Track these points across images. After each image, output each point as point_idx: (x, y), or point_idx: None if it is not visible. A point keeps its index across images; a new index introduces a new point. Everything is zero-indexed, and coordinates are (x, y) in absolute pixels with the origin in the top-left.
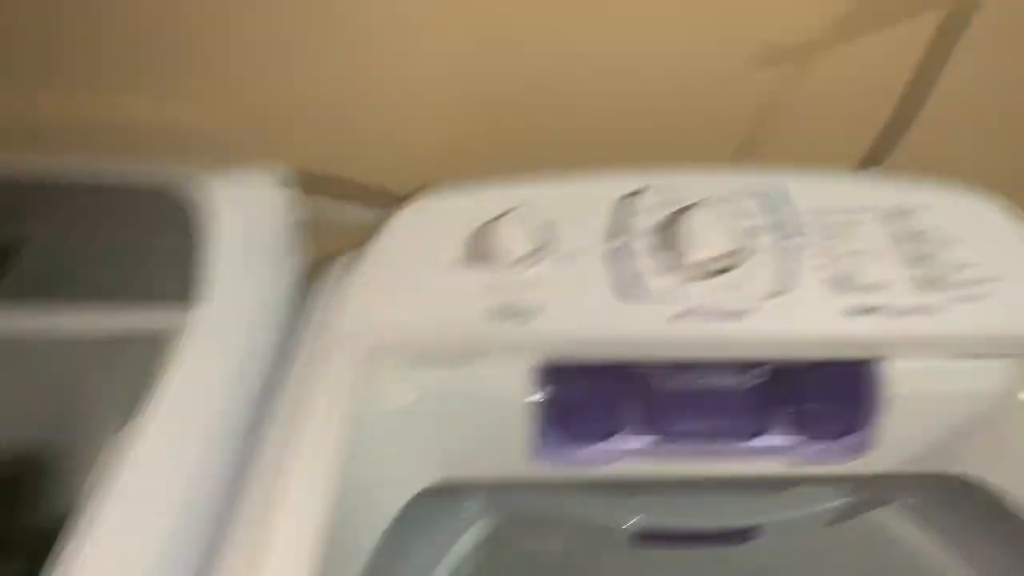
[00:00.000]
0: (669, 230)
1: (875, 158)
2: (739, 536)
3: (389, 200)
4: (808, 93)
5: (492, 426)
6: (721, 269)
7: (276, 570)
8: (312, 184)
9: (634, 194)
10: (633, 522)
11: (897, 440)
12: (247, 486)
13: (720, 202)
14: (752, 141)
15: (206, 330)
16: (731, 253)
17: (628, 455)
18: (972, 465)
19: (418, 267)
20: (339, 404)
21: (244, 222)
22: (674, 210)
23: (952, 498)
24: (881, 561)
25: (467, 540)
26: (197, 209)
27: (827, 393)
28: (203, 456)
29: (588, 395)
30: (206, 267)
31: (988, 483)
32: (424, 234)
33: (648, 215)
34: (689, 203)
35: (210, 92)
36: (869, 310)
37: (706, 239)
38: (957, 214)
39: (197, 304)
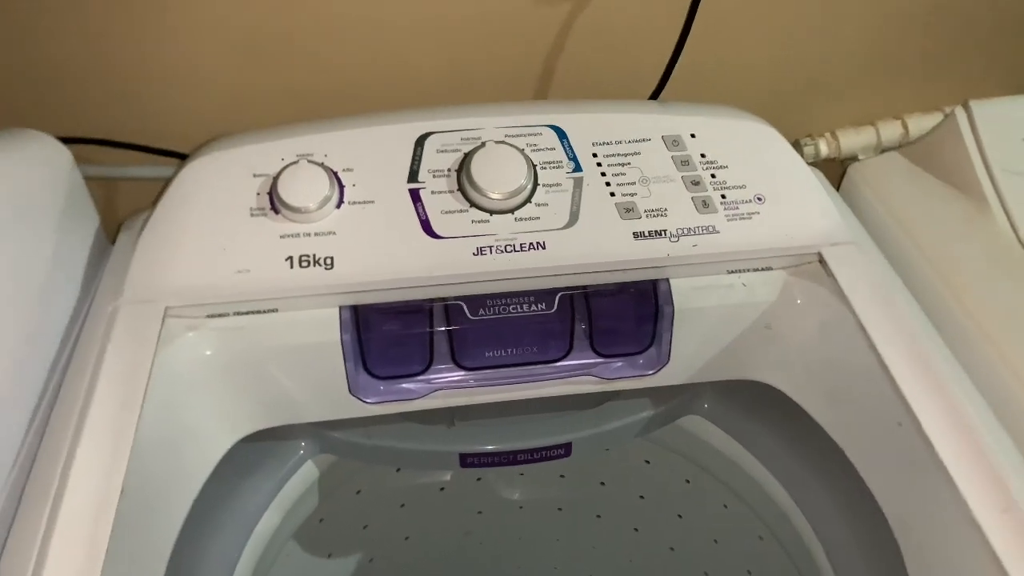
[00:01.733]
0: (464, 169)
1: (656, 90)
2: (558, 451)
3: (176, 160)
4: (590, 30)
5: (303, 371)
6: (517, 204)
7: (66, 539)
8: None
9: (427, 136)
10: (457, 447)
11: (689, 352)
12: (40, 453)
13: (511, 139)
14: (540, 79)
15: None
16: (524, 188)
17: (444, 387)
18: (758, 370)
19: (211, 220)
20: (135, 362)
21: (14, 184)
22: (467, 150)
23: (747, 399)
24: (689, 457)
25: (297, 480)
26: None
27: (623, 314)
28: None
29: (398, 332)
30: None
31: (773, 386)
32: (216, 185)
33: (442, 156)
34: (481, 142)
35: None
36: (655, 233)
37: (500, 176)
38: (730, 138)
39: None
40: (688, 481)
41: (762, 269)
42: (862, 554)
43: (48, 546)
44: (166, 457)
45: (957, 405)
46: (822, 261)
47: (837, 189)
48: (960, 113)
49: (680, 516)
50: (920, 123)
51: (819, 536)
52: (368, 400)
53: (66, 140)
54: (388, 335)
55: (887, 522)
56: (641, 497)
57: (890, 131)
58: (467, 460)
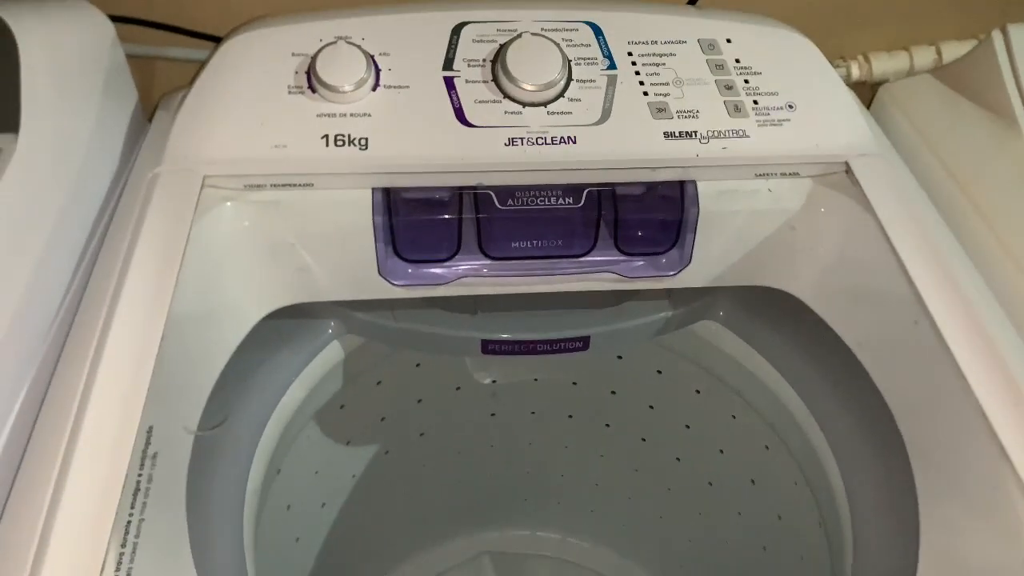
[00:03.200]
0: (499, 60)
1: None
2: (576, 344)
3: (212, 44)
4: None
5: (335, 249)
6: (551, 98)
7: (104, 398)
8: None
9: (464, 25)
10: (479, 332)
11: (711, 256)
12: (81, 312)
13: (547, 32)
14: None
15: (21, 158)
16: (559, 82)
17: (469, 274)
18: (778, 278)
19: (250, 96)
20: (174, 226)
21: (60, 52)
22: (503, 41)
23: (764, 307)
24: (702, 364)
25: (323, 358)
26: (10, 38)
27: (648, 213)
28: (31, 289)
29: (428, 218)
30: (20, 95)
31: (791, 293)
32: (255, 62)
33: (479, 46)
34: (518, 33)
35: None
36: (685, 134)
37: (535, 69)
38: (765, 46)
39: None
40: (698, 392)
41: (789, 175)
42: (872, 460)
43: (88, 400)
44: (200, 322)
45: (974, 307)
46: (849, 171)
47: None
48: (997, 36)
49: (688, 426)
50: (955, 50)
51: (829, 442)
52: (396, 282)
53: (110, 17)
54: (418, 220)
55: (898, 429)
56: (651, 407)
57: (924, 56)
58: (488, 346)
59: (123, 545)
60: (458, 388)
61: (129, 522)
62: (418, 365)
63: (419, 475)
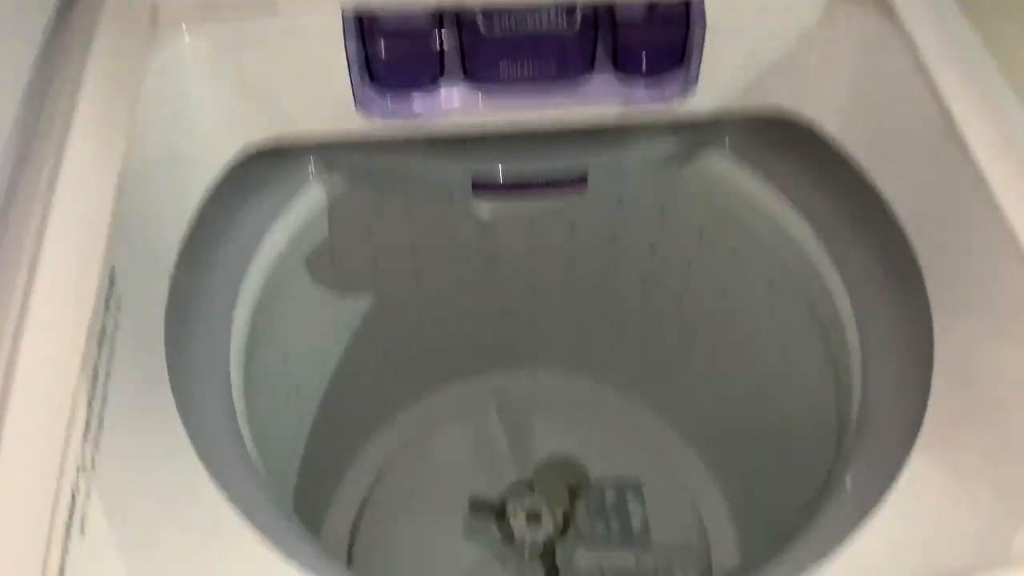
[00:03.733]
0: None
1: None
2: (573, 183)
3: None
4: None
5: (306, 78)
6: None
7: (61, 239)
8: None
9: None
10: (469, 173)
11: (718, 78)
12: (26, 159)
13: None
14: None
15: None
16: None
17: (456, 105)
18: (793, 99)
19: None
20: (124, 63)
21: None
22: None
23: (771, 136)
24: (706, 199)
25: (304, 201)
26: None
27: (649, 32)
28: None
29: (406, 41)
30: None
31: (802, 116)
32: None
33: None
34: None
35: None
36: None
37: None
38: None
39: None
40: (702, 230)
41: None
42: (885, 292)
43: (42, 245)
44: (166, 161)
45: (1007, 125)
46: None
47: None
48: None
49: (690, 265)
50: None
51: (841, 274)
52: (375, 115)
53: None
54: (395, 43)
55: (916, 260)
56: (652, 248)
57: None
58: (479, 186)
59: (92, 392)
60: (453, 235)
61: (96, 368)
62: (409, 212)
63: (418, 322)
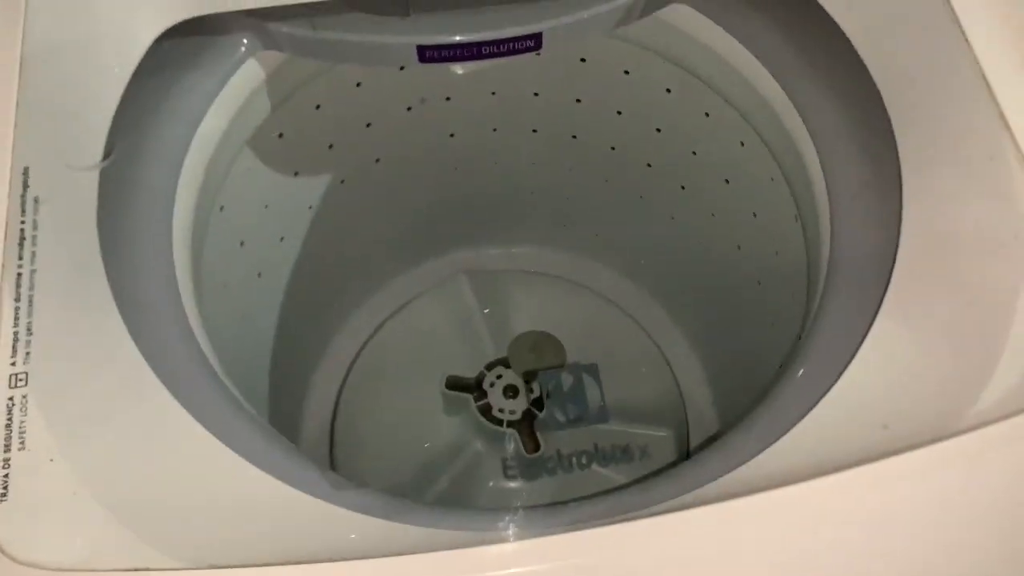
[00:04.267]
0: None
1: None
2: (527, 43)
3: None
4: None
5: None
6: None
7: None
8: None
9: None
10: (414, 38)
11: None
12: None
13: None
14: None
15: None
16: None
17: None
18: None
19: None
20: None
21: None
22: None
23: None
24: (672, 57)
25: (240, 79)
26: None
27: None
28: None
29: None
30: None
31: None
32: None
33: None
34: None
35: None
36: None
37: None
38: None
39: None
40: (669, 91)
41: None
42: (854, 145)
43: None
44: (77, 47)
45: None
46: None
47: None
48: None
49: (659, 130)
50: None
51: (809, 128)
52: None
53: None
54: None
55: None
56: (619, 112)
57: None
58: (426, 53)
59: (16, 299)
60: (408, 108)
61: (19, 274)
62: (358, 85)
63: (381, 202)
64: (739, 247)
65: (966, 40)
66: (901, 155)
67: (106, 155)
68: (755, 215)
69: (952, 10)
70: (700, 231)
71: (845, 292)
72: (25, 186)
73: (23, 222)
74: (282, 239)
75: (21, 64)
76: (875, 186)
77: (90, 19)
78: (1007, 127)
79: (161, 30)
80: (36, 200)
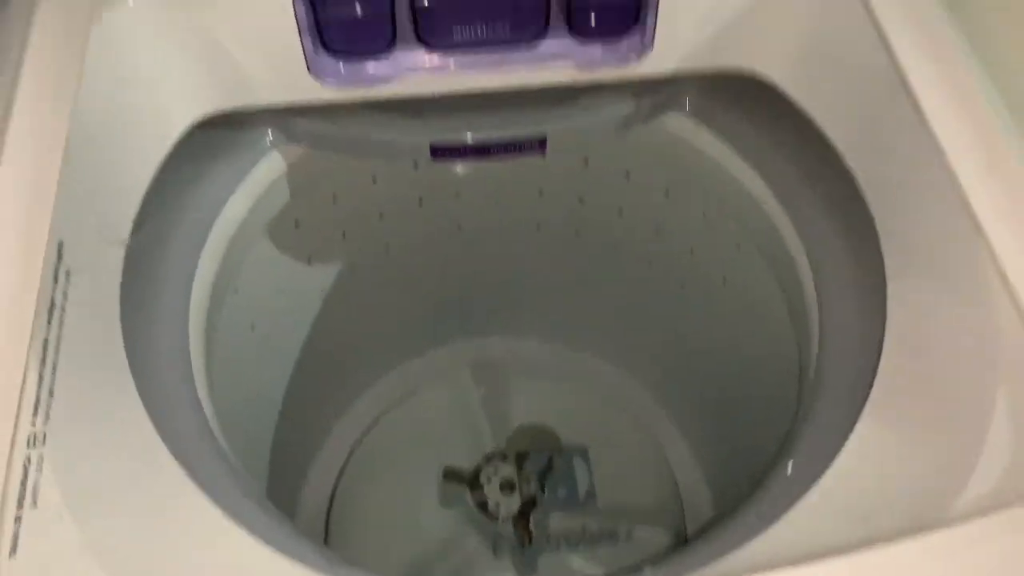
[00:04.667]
0: None
1: None
2: (533, 145)
3: None
4: None
5: (257, 45)
6: None
7: (12, 200)
8: None
9: None
10: (427, 137)
11: (675, 36)
12: None
13: None
14: None
15: None
16: None
17: (411, 71)
18: (748, 58)
19: None
20: (69, 28)
21: None
22: None
23: (732, 96)
24: (670, 162)
25: (263, 169)
26: None
27: None
28: None
29: (357, 5)
30: None
31: (761, 75)
32: None
33: None
34: None
35: None
36: None
37: None
38: None
39: None
40: (667, 193)
41: None
42: (842, 249)
43: None
44: (116, 131)
45: (955, 74)
46: None
47: None
48: None
49: (658, 230)
50: None
51: (799, 232)
52: (329, 81)
53: None
54: (346, 8)
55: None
56: (620, 212)
57: None
58: (438, 152)
59: (43, 362)
60: (420, 202)
61: (47, 340)
62: (374, 178)
63: (389, 290)
64: (736, 345)
65: (941, 148)
66: (886, 261)
67: (136, 231)
68: (752, 314)
69: (927, 122)
70: (698, 328)
71: (833, 390)
72: (59, 258)
73: (54, 291)
74: (292, 324)
75: (67, 142)
76: (861, 291)
77: (133, 104)
78: (982, 234)
79: (194, 119)
80: (68, 272)
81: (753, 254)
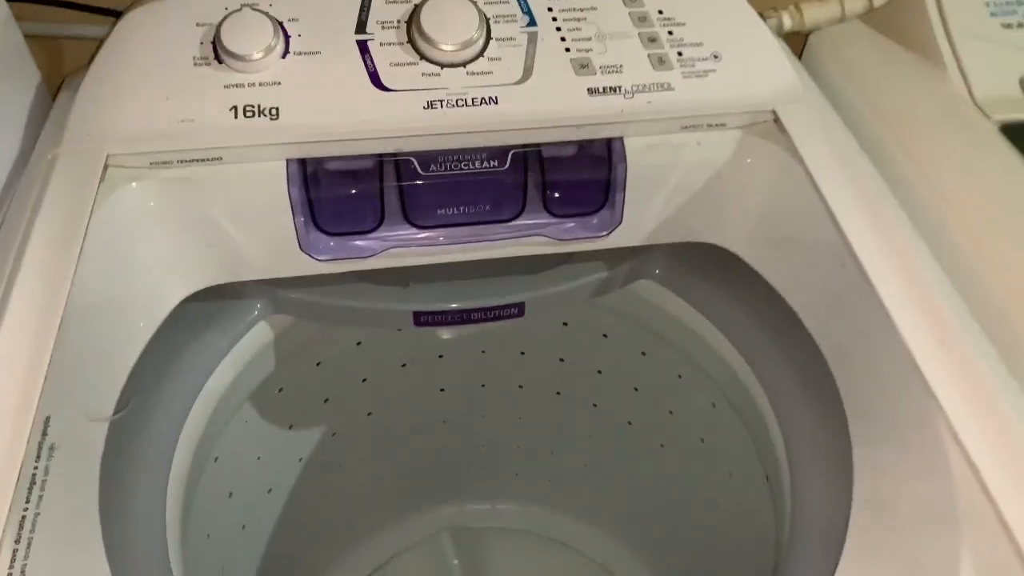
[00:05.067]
0: (414, 20)
1: None
2: (511, 311)
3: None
4: None
5: (251, 225)
6: (469, 58)
7: (4, 373)
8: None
9: None
10: (411, 306)
11: (642, 213)
12: None
13: None
14: None
15: None
16: (476, 41)
17: (396, 244)
18: (711, 232)
19: (153, 69)
20: (74, 210)
21: None
22: (417, 1)
23: (700, 263)
24: (644, 325)
25: (250, 340)
26: None
27: (576, 172)
28: None
29: (348, 188)
30: None
31: (725, 247)
32: (158, 33)
33: (393, 7)
34: None
35: None
36: (609, 89)
37: (451, 28)
38: None
39: None
40: (644, 354)
41: (716, 127)
42: (807, 408)
43: None
44: (109, 307)
45: (901, 249)
46: (777, 120)
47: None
48: None
49: (636, 389)
50: None
51: (769, 395)
52: (319, 257)
53: None
54: (337, 190)
55: (831, 372)
56: (599, 372)
57: (854, 3)
58: (421, 318)
59: (17, 540)
60: (403, 365)
61: (24, 517)
62: (359, 344)
63: (370, 455)
64: (718, 505)
65: (892, 319)
66: (850, 426)
67: (121, 408)
68: (730, 474)
69: (878, 294)
70: (679, 488)
71: (806, 553)
72: (44, 434)
73: (35, 468)
74: (269, 491)
75: (62, 321)
76: (829, 453)
77: (128, 279)
78: (935, 399)
79: (186, 294)
80: (52, 448)
81: (728, 414)
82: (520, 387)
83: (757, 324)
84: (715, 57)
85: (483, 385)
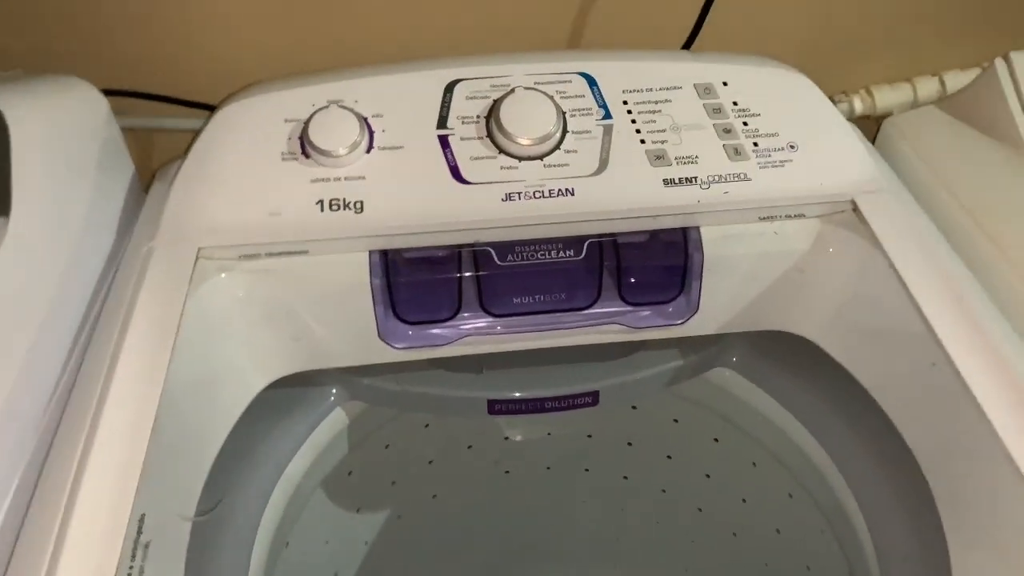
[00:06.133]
0: (493, 115)
1: (686, 43)
2: (585, 400)
3: (208, 112)
4: None
5: (333, 315)
6: (546, 151)
7: (101, 471)
8: (130, 100)
9: (456, 82)
10: (485, 393)
11: (719, 302)
12: (76, 388)
13: (541, 86)
14: (571, 31)
15: (12, 241)
16: (553, 134)
17: (472, 333)
18: (789, 321)
19: (243, 164)
20: (168, 301)
21: (53, 130)
22: (496, 96)
23: (776, 353)
24: (718, 411)
25: (327, 426)
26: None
27: (651, 262)
28: (25, 371)
29: (427, 278)
30: (8, 177)
31: (805, 336)
32: (248, 129)
33: (471, 103)
34: (511, 88)
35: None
36: (685, 180)
37: (529, 122)
38: (763, 87)
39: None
40: (716, 440)
41: (794, 217)
42: (897, 506)
43: (81, 478)
44: (198, 396)
45: (993, 343)
46: (856, 209)
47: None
48: (1000, 64)
49: (708, 476)
50: (957, 79)
51: (852, 488)
52: (397, 345)
53: (103, 91)
54: (417, 280)
55: (921, 471)
56: (669, 457)
57: (927, 87)
58: (495, 407)
59: None
60: (469, 447)
61: None
62: (427, 426)
63: (433, 537)
64: None
65: (990, 423)
66: (946, 530)
67: (211, 508)
68: (808, 569)
69: (968, 387)
70: None
71: None
72: (139, 532)
73: (131, 568)
74: (335, 574)
75: (156, 415)
76: (924, 554)
77: (215, 369)
78: None
79: (268, 382)
80: (147, 546)
81: (808, 506)
82: (586, 470)
83: (839, 416)
84: (791, 147)
85: (548, 467)
